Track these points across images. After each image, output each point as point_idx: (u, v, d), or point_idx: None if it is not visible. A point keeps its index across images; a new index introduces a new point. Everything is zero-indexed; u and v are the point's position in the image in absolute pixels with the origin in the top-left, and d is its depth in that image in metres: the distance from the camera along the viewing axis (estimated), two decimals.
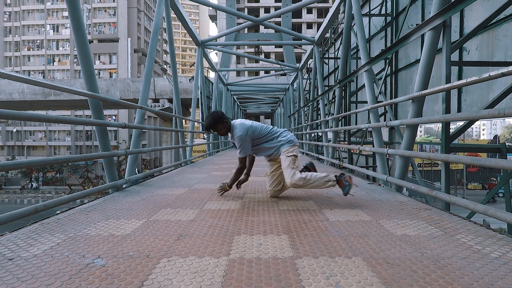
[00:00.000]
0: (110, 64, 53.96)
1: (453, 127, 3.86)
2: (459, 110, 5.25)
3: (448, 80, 3.12)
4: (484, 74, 2.09)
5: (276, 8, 46.20)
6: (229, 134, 3.09)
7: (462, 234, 1.94)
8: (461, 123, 4.58)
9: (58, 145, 52.47)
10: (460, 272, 1.41)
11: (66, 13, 51.14)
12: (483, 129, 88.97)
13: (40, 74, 54.30)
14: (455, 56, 5.15)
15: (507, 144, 4.92)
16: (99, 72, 52.88)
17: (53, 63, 54.72)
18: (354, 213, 2.46)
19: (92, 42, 52.70)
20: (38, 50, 54.67)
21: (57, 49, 54.73)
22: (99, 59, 53.92)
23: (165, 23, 6.75)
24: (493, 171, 33.11)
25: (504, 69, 1.91)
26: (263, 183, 4.06)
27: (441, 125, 3.36)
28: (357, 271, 1.42)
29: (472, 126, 5.65)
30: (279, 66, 14.76)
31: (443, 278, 1.35)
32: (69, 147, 51.84)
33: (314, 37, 9.75)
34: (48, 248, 1.67)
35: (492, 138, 54.92)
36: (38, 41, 54.75)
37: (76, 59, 52.05)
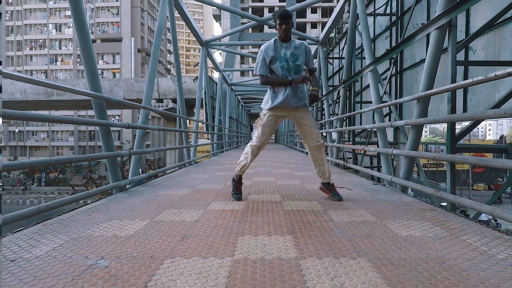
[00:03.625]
0: (113, 64, 54.18)
1: (458, 127, 3.83)
2: (464, 110, 5.22)
3: (453, 80, 3.09)
4: (490, 74, 2.07)
5: (281, 8, 46.16)
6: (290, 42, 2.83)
7: (468, 235, 1.91)
8: (467, 123, 4.54)
9: (61, 145, 52.74)
10: (466, 273, 1.38)
11: (68, 12, 51.44)
12: (489, 129, 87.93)
13: (42, 74, 54.63)
14: (461, 56, 5.12)
15: None
16: (103, 72, 53.10)
17: (55, 62, 55.02)
18: (359, 214, 2.43)
19: (95, 41, 52.93)
20: (40, 49, 54.99)
21: (60, 48, 55.05)
22: (102, 59, 54.15)
23: (168, 23, 6.75)
24: (499, 171, 32.77)
25: (510, 69, 1.88)
26: (267, 184, 4.04)
27: (446, 125, 3.33)
28: (362, 272, 1.39)
29: (478, 126, 5.64)
30: None
31: (449, 279, 1.33)
32: (72, 147, 52.09)
33: (318, 37, 9.72)
34: (51, 249, 1.65)
35: (498, 139, 54.36)
36: (40, 41, 55.09)
37: (79, 59, 52.37)
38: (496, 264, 1.48)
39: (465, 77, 5.23)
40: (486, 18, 4.52)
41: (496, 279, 1.32)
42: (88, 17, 51.38)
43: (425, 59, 3.56)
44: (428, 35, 5.28)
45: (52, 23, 54.77)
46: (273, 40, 2.83)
